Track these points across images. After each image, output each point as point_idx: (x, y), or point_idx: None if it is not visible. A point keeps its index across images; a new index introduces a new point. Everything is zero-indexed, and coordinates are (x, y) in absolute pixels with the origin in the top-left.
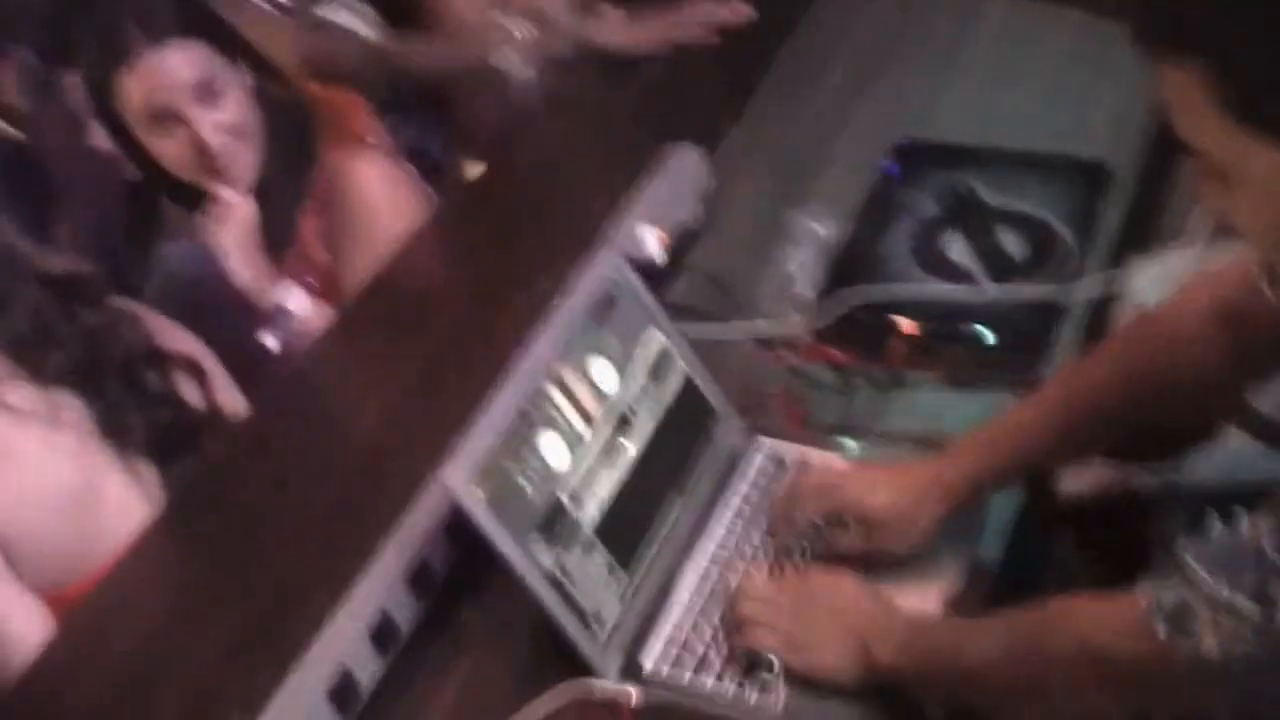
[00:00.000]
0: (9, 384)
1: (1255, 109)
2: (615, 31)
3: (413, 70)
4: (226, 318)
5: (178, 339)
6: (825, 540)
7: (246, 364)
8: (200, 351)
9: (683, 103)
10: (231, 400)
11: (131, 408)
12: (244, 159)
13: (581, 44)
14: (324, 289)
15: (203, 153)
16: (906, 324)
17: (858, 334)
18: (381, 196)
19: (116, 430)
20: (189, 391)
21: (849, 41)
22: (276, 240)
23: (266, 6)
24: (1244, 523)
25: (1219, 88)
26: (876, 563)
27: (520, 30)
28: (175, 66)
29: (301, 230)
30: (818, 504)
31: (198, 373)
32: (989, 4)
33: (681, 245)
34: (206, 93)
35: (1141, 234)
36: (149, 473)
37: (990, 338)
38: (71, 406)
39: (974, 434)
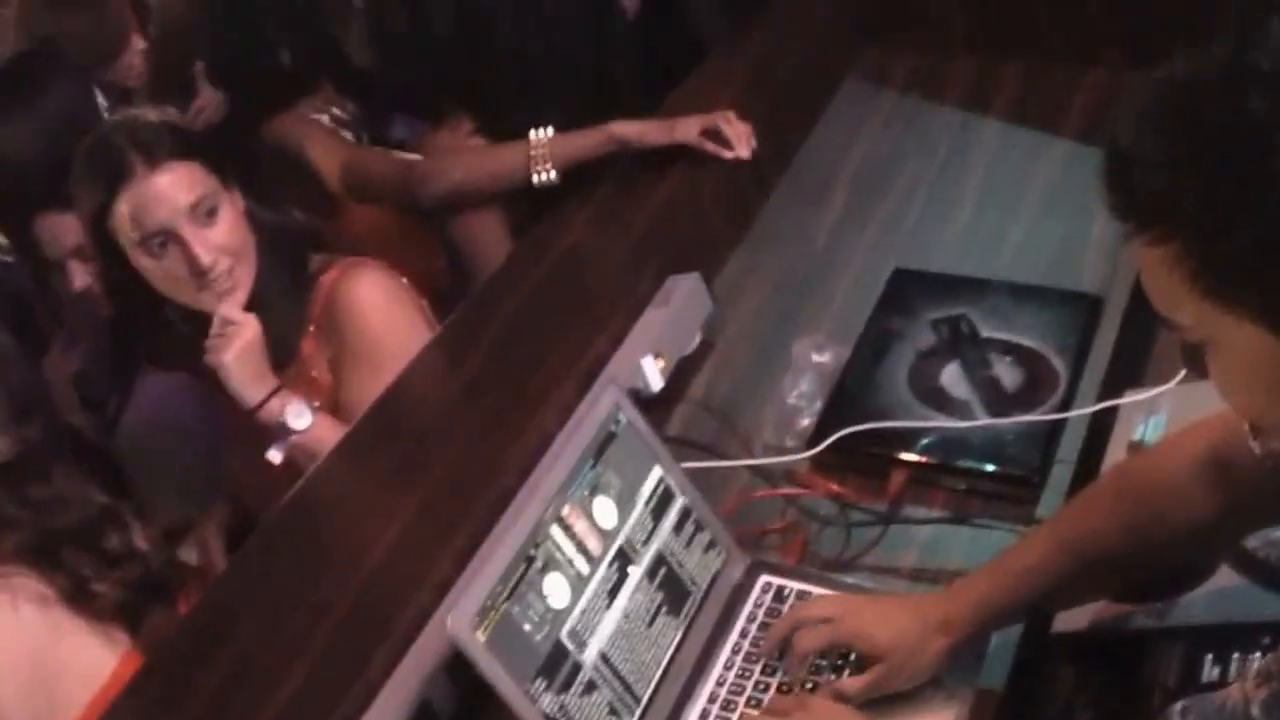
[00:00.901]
0: None
1: (1223, 283)
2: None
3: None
4: (218, 442)
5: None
6: (828, 673)
7: (253, 484)
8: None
9: (684, 229)
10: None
11: (94, 574)
12: (238, 277)
13: (614, 141)
14: (325, 409)
15: (196, 272)
16: (904, 456)
17: (856, 465)
18: (381, 317)
19: (82, 599)
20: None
21: (847, 169)
22: (275, 361)
23: (325, 120)
24: (1234, 687)
25: (1189, 263)
26: (879, 696)
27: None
28: (172, 188)
29: (302, 351)
30: (821, 637)
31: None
32: (984, 130)
33: (682, 372)
34: (201, 213)
35: (1134, 365)
36: (121, 635)
37: (986, 470)
38: (31, 583)
39: (977, 571)
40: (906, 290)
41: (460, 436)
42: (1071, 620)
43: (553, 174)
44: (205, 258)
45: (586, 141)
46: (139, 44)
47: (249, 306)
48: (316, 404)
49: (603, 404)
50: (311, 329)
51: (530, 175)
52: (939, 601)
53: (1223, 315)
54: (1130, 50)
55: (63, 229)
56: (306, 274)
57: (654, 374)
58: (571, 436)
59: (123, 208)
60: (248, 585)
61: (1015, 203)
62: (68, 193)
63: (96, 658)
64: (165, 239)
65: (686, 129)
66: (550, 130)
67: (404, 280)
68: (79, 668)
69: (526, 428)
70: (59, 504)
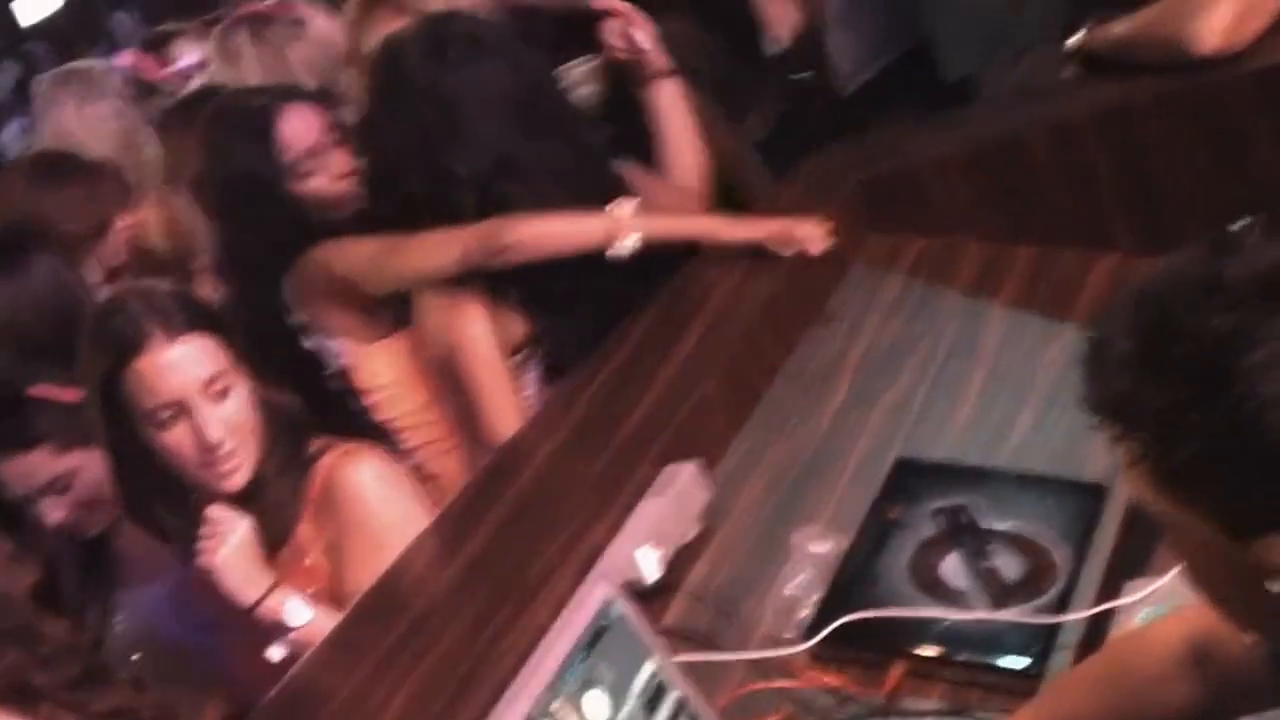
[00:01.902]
0: None
1: (1177, 486)
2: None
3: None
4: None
5: None
6: None
7: (249, 677)
8: None
9: (685, 415)
10: None
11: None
12: (242, 458)
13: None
14: (321, 595)
15: (205, 448)
16: (903, 648)
17: (855, 657)
18: (380, 504)
19: None
20: None
21: (852, 354)
22: (269, 545)
23: None
24: None
25: (1146, 462)
26: None
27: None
28: (188, 360)
29: (298, 535)
30: None
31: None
32: (993, 315)
33: (681, 560)
34: (214, 390)
35: (1137, 554)
36: None
37: (986, 663)
38: None
39: None
40: (908, 479)
41: (455, 627)
42: None
43: (631, 243)
44: (214, 434)
45: (673, 226)
46: (123, 221)
47: (248, 489)
48: (311, 591)
49: (595, 597)
50: (308, 513)
51: (610, 242)
52: None
53: (1182, 512)
54: (1141, 236)
55: (30, 467)
56: (306, 457)
57: (651, 563)
58: (563, 630)
59: (135, 376)
60: None
61: (1023, 390)
62: (63, 364)
63: None
64: (176, 412)
65: (766, 228)
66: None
67: (400, 468)
68: None
69: (522, 618)
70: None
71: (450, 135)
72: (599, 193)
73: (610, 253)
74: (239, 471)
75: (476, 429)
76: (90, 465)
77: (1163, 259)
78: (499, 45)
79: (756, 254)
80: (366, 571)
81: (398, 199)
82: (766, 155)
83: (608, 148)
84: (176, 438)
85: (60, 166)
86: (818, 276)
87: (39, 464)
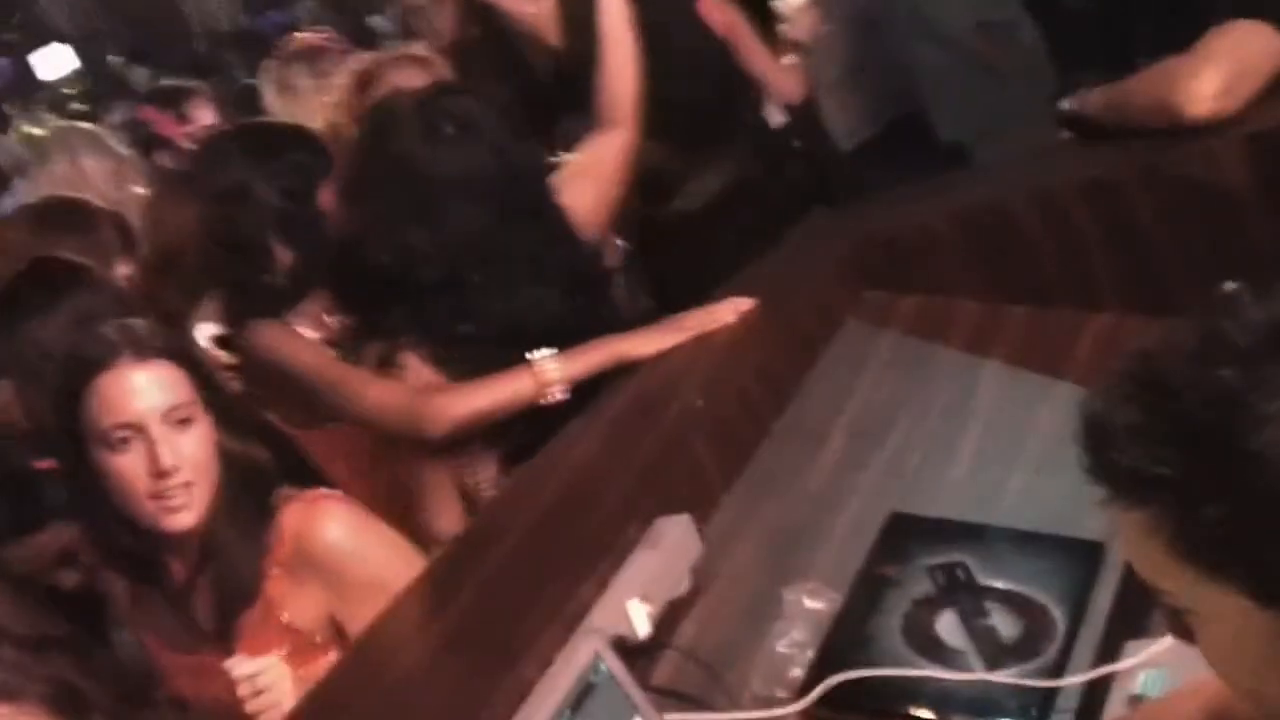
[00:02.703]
0: None
1: (1202, 553)
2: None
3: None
4: None
5: None
6: None
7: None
8: None
9: (676, 470)
10: None
11: None
12: (194, 496)
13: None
14: (297, 654)
15: (155, 473)
16: (898, 709)
17: (848, 718)
18: (369, 551)
19: None
20: None
21: (846, 411)
22: (234, 604)
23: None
24: None
25: (1166, 531)
26: None
27: None
28: (152, 385)
29: (268, 591)
30: None
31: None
32: (986, 373)
33: (671, 617)
34: (174, 419)
35: (1135, 616)
36: None
37: None
38: None
39: None
40: (903, 536)
41: (440, 685)
42: None
43: (558, 393)
44: (167, 460)
45: (595, 361)
46: (123, 269)
47: (204, 541)
48: (286, 650)
49: (582, 654)
50: (276, 571)
51: (538, 399)
52: None
53: (1205, 584)
54: (1132, 298)
55: (40, 547)
56: (268, 509)
57: (640, 619)
58: (550, 687)
59: (97, 393)
60: None
61: (1017, 447)
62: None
63: None
64: (131, 434)
65: (682, 327)
66: (550, 353)
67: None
68: None
69: (506, 677)
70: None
71: (423, 212)
72: (568, 273)
73: (542, 402)
74: (188, 510)
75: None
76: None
77: (1153, 323)
78: (489, 129)
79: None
80: (355, 619)
81: (363, 263)
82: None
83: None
84: (129, 462)
85: (65, 213)
86: (810, 334)
87: (48, 542)
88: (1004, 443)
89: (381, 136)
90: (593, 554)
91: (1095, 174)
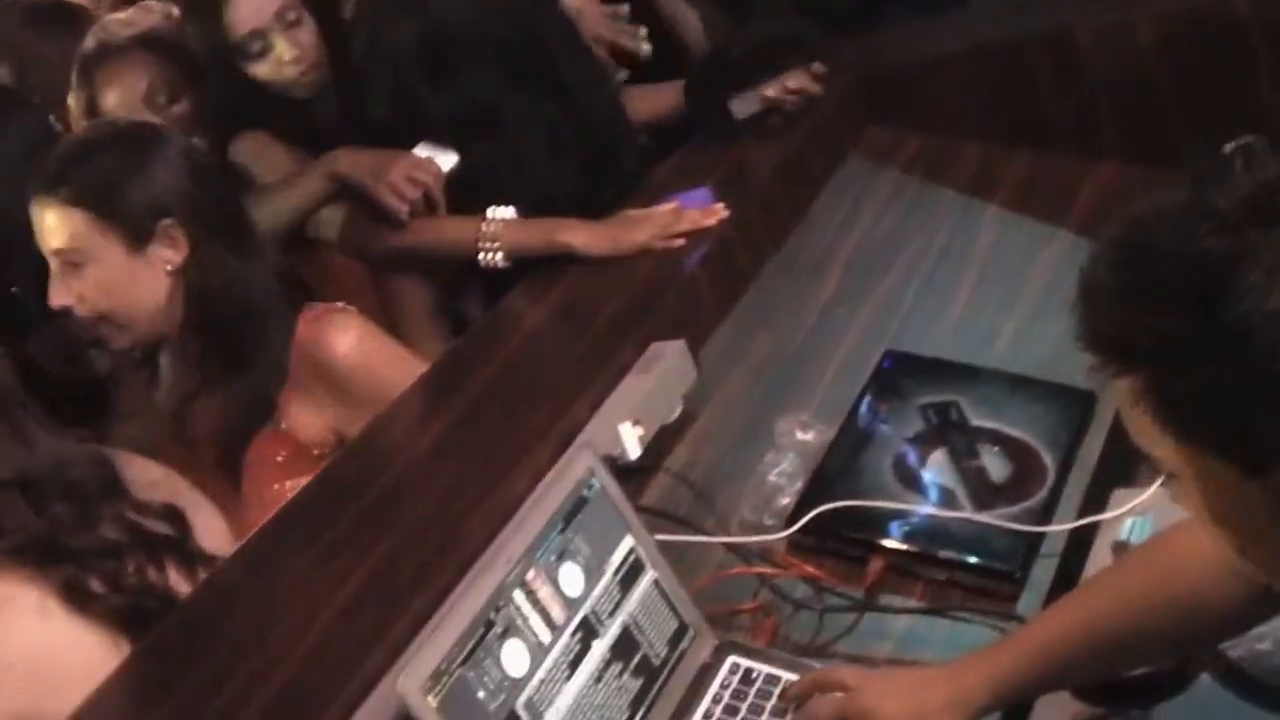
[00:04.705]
0: None
1: (1185, 421)
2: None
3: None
4: None
5: (155, 487)
6: None
7: None
8: (183, 494)
9: (672, 296)
10: (216, 542)
11: (95, 579)
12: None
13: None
14: (290, 461)
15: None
16: (884, 543)
17: (835, 549)
18: (379, 363)
19: (82, 603)
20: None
21: (845, 247)
22: (257, 422)
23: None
24: None
25: (1150, 398)
26: None
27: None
28: None
29: (285, 407)
30: (833, 709)
31: (179, 522)
32: (987, 216)
33: (661, 442)
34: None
35: (1124, 462)
36: (125, 643)
37: (968, 562)
38: (30, 586)
39: (994, 645)
40: (897, 373)
41: (426, 495)
42: (1050, 712)
43: (499, 258)
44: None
45: (534, 240)
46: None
47: (243, 359)
48: (283, 456)
49: (577, 467)
50: (294, 382)
51: (476, 254)
52: (952, 675)
53: (1190, 452)
54: (1136, 148)
55: None
56: (290, 330)
57: (632, 442)
58: (542, 498)
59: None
60: (191, 639)
61: (1013, 293)
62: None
63: (97, 660)
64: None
65: (633, 240)
66: (510, 211)
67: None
68: (79, 670)
69: (496, 489)
70: (82, 528)
71: (432, 70)
72: (591, 163)
73: (481, 262)
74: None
75: None
76: None
77: (1155, 176)
78: None
79: (756, 133)
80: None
81: (365, 117)
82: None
83: (616, 116)
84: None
85: (56, 13)
86: (812, 167)
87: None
88: (1001, 287)
89: None
90: (585, 374)
91: (1111, 18)
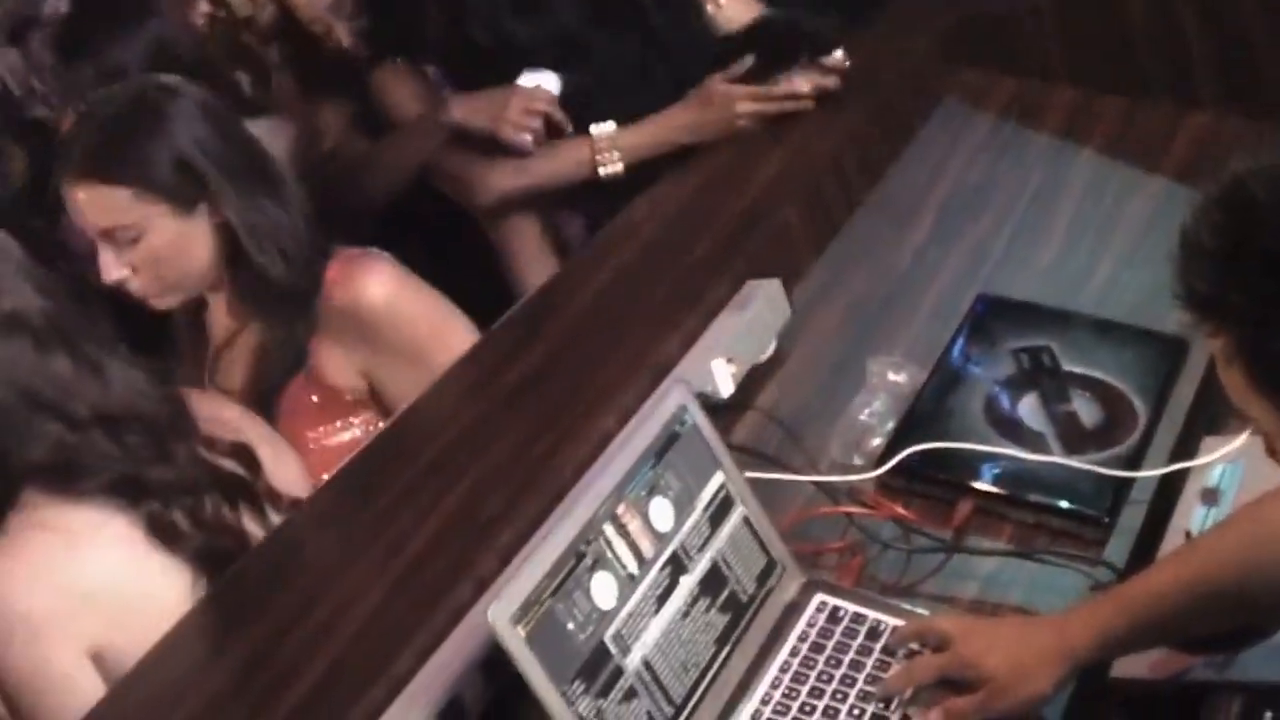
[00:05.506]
0: (47, 508)
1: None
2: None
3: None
4: None
5: (230, 428)
6: (937, 698)
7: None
8: (258, 434)
9: (766, 236)
10: (291, 483)
11: (181, 514)
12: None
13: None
14: (321, 409)
15: None
16: (973, 484)
17: (923, 490)
18: (410, 309)
19: (167, 538)
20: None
21: (938, 191)
22: (287, 370)
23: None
24: None
25: (1241, 359)
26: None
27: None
28: None
29: (316, 352)
30: (935, 668)
31: (250, 461)
32: (1080, 161)
33: (753, 380)
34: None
35: (1214, 413)
36: (199, 583)
37: (1057, 506)
38: (118, 518)
39: (1100, 598)
40: (989, 316)
41: (514, 428)
42: (1129, 666)
43: (619, 168)
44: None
45: (648, 140)
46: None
47: (270, 302)
48: (318, 398)
49: (670, 402)
50: (325, 330)
51: (595, 169)
52: (1056, 628)
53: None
54: (1230, 97)
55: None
56: (321, 274)
57: (724, 379)
58: (635, 433)
59: None
60: (269, 577)
61: (1105, 238)
62: None
63: (177, 597)
64: None
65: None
66: (611, 125)
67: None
68: (158, 605)
69: (586, 424)
70: (158, 463)
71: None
72: (667, 92)
73: (603, 175)
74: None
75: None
76: None
77: (1250, 127)
78: None
79: (851, 76)
80: (407, 377)
81: (459, 44)
82: None
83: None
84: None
85: None
86: (906, 110)
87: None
88: (1093, 232)
89: None
90: (676, 312)
91: None
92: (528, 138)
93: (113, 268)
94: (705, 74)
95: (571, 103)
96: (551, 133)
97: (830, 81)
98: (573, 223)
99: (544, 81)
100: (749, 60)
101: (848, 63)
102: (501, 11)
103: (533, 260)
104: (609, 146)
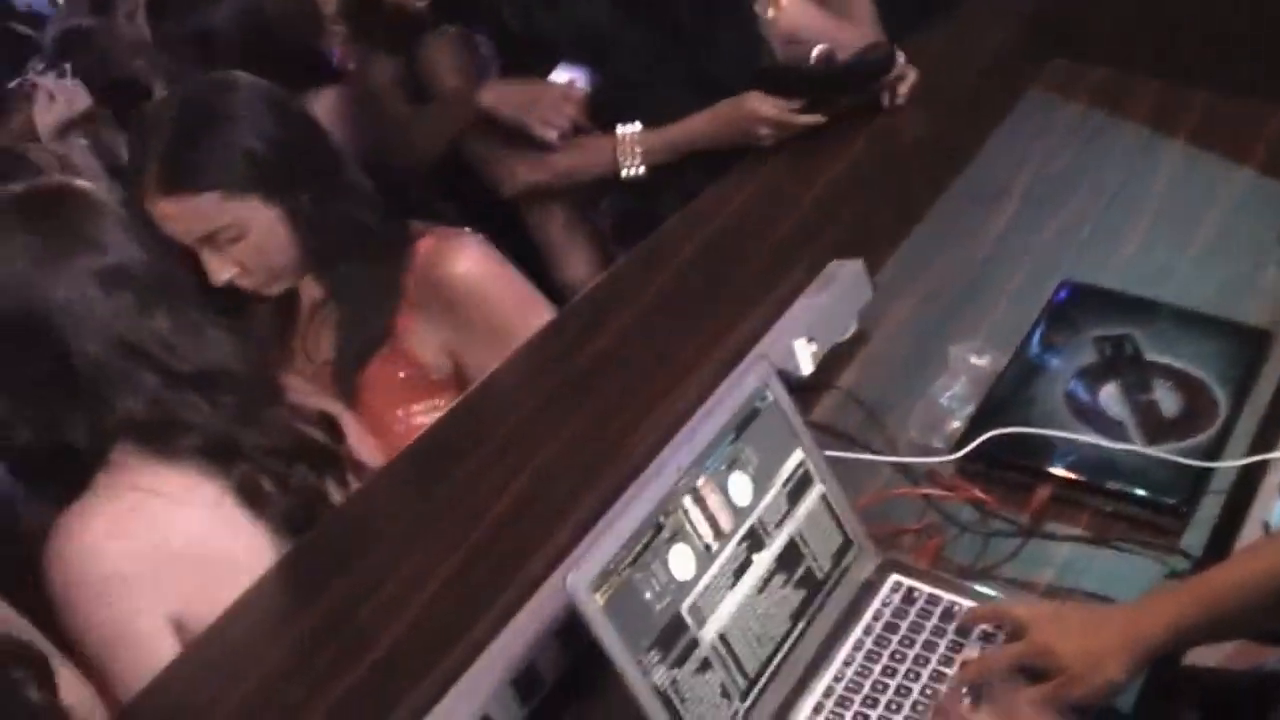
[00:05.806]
0: (140, 468)
1: None
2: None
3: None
4: None
5: (307, 395)
6: (1010, 687)
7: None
8: (333, 408)
9: (850, 217)
10: (367, 454)
11: (270, 479)
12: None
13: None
14: (408, 385)
15: None
16: (1051, 470)
17: (1002, 475)
18: (498, 289)
19: (256, 502)
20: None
21: (1023, 177)
22: (368, 343)
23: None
24: None
25: None
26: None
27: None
28: None
29: (396, 326)
30: (1010, 659)
31: (335, 430)
32: (1166, 150)
33: (833, 360)
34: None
35: None
36: (282, 550)
37: (1135, 494)
38: (208, 481)
39: (1174, 588)
40: (1072, 304)
41: (593, 405)
42: (1203, 656)
43: (640, 169)
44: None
45: (668, 146)
46: None
47: (342, 279)
48: (405, 374)
49: (752, 378)
50: (402, 302)
51: (617, 169)
52: (1131, 617)
53: None
54: None
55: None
56: (402, 245)
57: (805, 357)
58: (716, 407)
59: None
60: (347, 541)
61: (1190, 230)
62: None
63: (262, 561)
64: None
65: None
66: (636, 125)
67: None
68: (244, 569)
69: (664, 402)
70: (249, 425)
71: None
72: (695, 92)
73: (624, 175)
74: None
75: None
76: None
77: None
78: None
79: (939, 61)
80: (489, 350)
81: (500, 25)
82: None
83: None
84: None
85: None
86: (991, 99)
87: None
88: (1178, 223)
89: None
90: (757, 290)
91: None
92: (554, 134)
93: (220, 269)
94: (747, 74)
95: (598, 98)
96: (575, 130)
97: (888, 100)
98: (606, 215)
99: (576, 79)
100: (795, 104)
101: (910, 72)
102: (533, 2)
103: (565, 247)
104: (632, 147)
